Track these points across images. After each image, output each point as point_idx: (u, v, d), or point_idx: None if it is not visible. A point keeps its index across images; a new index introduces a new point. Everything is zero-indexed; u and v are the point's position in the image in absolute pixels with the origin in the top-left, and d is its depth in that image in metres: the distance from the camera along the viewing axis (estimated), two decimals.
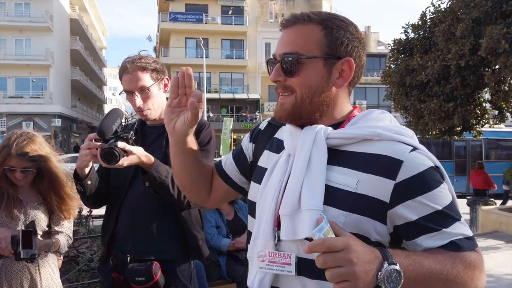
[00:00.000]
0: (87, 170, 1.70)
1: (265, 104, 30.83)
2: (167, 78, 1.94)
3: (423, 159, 0.90)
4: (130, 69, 1.79)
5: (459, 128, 8.80)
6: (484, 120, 8.86)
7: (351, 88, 1.04)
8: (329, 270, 0.77)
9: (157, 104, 1.87)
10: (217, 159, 1.87)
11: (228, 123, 22.24)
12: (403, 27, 8.98)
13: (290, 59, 0.96)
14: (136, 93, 1.80)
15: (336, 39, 0.97)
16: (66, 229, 2.10)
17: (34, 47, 28.85)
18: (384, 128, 0.94)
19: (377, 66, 30.85)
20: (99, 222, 5.29)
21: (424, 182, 0.88)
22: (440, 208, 0.88)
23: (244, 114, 30.94)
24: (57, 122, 27.61)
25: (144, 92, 1.81)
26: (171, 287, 1.78)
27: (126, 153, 1.57)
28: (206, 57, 25.10)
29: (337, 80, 0.99)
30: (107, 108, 47.54)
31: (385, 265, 0.78)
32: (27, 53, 28.91)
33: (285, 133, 1.06)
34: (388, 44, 9.76)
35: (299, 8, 34.20)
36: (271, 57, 1.03)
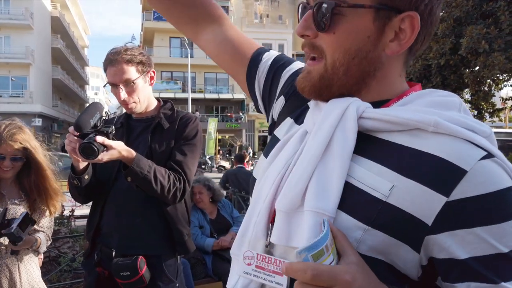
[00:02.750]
0: (81, 165, 1.67)
1: (250, 105, 30.77)
2: (153, 71, 1.92)
3: (500, 173, 0.60)
4: (115, 61, 1.76)
5: None
6: None
7: (411, 57, 0.72)
8: None
9: (143, 97, 1.85)
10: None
11: (213, 123, 22.22)
12: None
13: (326, 6, 0.66)
14: (121, 86, 1.77)
15: None
16: (45, 228, 2.07)
17: (13, 45, 28.18)
18: (448, 117, 0.63)
19: None
20: (81, 222, 5.20)
21: (494, 209, 0.58)
22: (506, 250, 0.58)
23: (229, 114, 30.92)
24: (38, 122, 27.03)
25: (129, 85, 1.79)
26: (157, 282, 1.77)
27: (106, 147, 1.54)
28: (190, 57, 25.00)
29: (390, 43, 0.67)
30: None
31: None
32: (6, 51, 28.22)
33: (312, 102, 0.78)
34: None
35: (284, 9, 34.34)
36: None
